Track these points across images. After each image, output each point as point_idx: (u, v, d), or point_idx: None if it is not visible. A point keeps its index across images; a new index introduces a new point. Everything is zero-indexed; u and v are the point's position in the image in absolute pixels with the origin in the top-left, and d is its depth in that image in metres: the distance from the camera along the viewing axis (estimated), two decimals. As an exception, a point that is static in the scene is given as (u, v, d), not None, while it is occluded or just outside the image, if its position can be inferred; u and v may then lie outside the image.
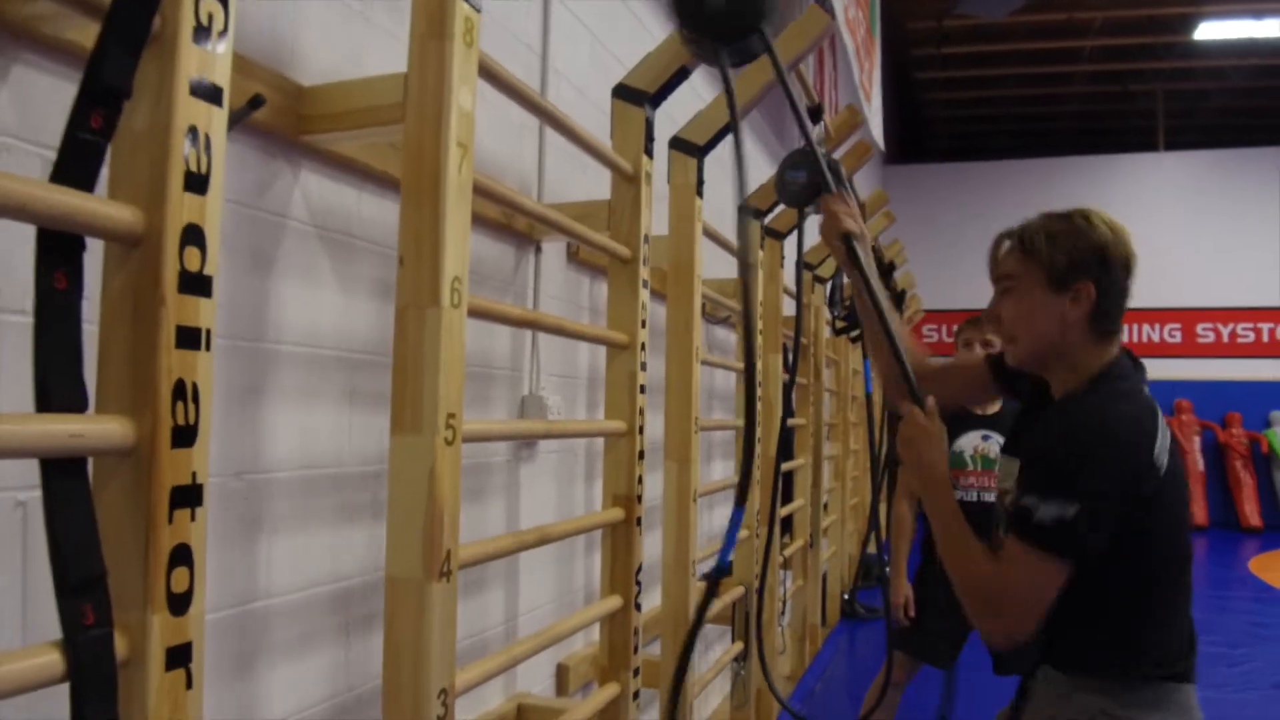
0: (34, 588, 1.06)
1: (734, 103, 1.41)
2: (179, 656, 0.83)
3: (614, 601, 1.95)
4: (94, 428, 0.79)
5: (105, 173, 0.84)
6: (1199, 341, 10.72)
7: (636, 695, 2.00)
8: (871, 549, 6.85)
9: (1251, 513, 9.95)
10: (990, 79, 10.97)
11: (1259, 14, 8.59)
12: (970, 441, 2.90)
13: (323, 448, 1.54)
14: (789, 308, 3.96)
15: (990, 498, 2.61)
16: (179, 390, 0.84)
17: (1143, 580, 1.30)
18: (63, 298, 0.80)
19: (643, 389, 2.03)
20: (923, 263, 9.44)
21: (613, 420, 1.99)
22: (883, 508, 3.41)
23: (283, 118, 1.39)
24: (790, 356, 2.78)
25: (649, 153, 2.07)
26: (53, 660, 0.74)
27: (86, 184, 0.81)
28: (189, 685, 0.84)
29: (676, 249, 2.39)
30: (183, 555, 0.83)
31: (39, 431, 0.74)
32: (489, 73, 1.43)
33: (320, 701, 1.51)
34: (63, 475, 0.78)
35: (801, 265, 2.90)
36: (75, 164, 0.80)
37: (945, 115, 12.52)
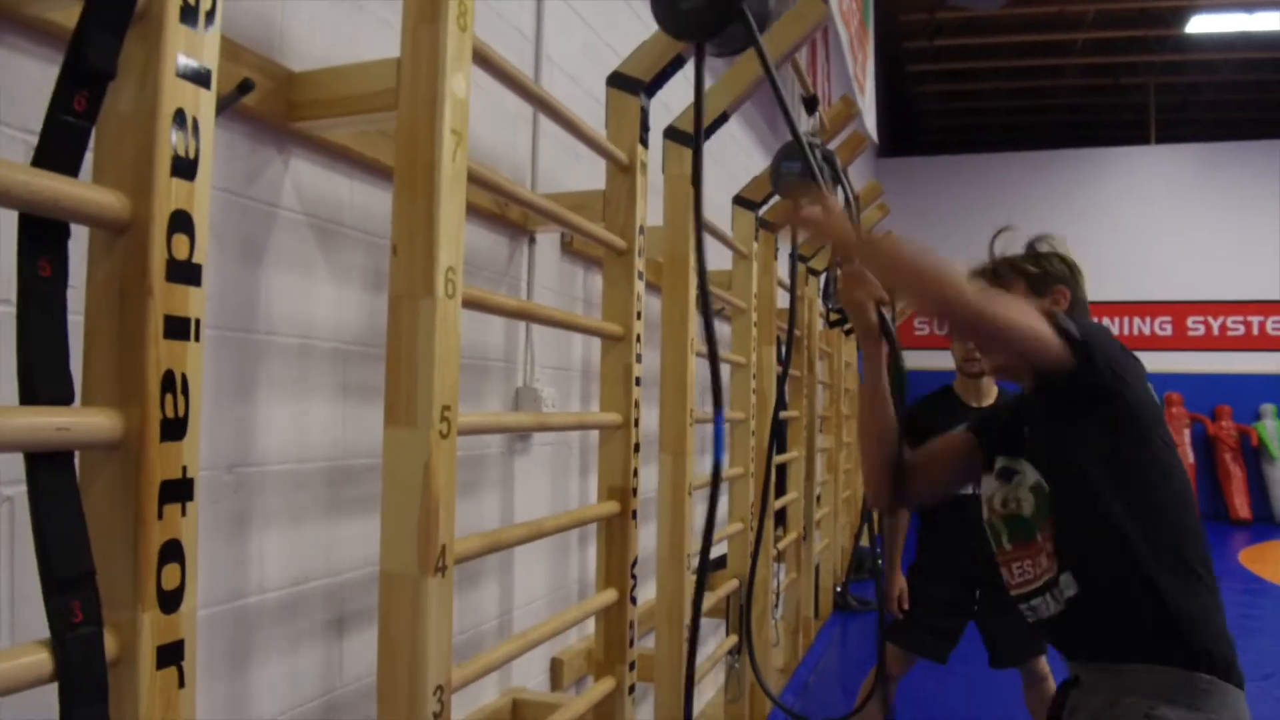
0: (19, 584, 1.03)
1: (700, 98, 1.41)
2: (170, 655, 0.81)
3: (609, 595, 1.93)
4: (81, 421, 0.76)
5: (89, 157, 0.81)
6: (1189, 334, 10.75)
7: (632, 689, 1.99)
8: (864, 542, 6.86)
9: (1241, 505, 10.00)
10: (982, 71, 10.96)
11: (1251, 7, 8.60)
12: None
13: (314, 441, 1.51)
14: (782, 300, 3.95)
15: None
16: (168, 382, 0.81)
17: (1186, 551, 1.28)
18: (47, 286, 0.77)
19: (638, 381, 2.01)
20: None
21: (608, 413, 1.97)
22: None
23: (272, 104, 1.36)
24: (786, 347, 2.76)
25: (644, 142, 2.05)
26: (41, 659, 0.72)
27: (70, 168, 0.78)
28: (181, 684, 0.82)
29: (672, 240, 2.36)
30: (173, 551, 0.81)
31: (25, 425, 0.72)
32: (483, 59, 1.41)
33: (312, 698, 1.49)
34: (49, 470, 0.75)
35: (796, 257, 2.88)
36: (58, 148, 0.77)
37: (937, 108, 12.50)
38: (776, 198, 3.35)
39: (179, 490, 0.82)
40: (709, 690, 3.70)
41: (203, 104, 0.86)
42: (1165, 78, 10.83)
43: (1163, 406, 1.42)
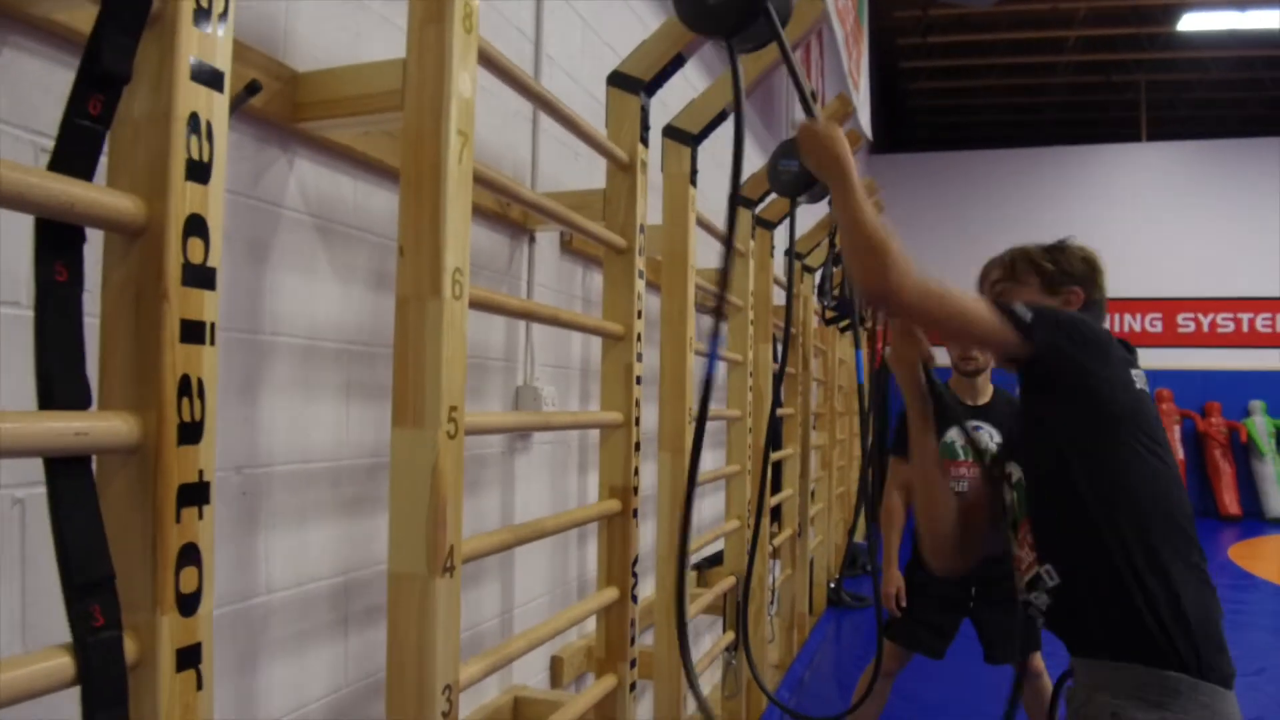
0: (33, 587, 1.03)
1: (740, 97, 1.42)
2: (189, 657, 0.81)
3: (611, 593, 1.94)
4: (99, 425, 0.76)
5: (103, 161, 0.81)
6: (1179, 331, 10.81)
7: (633, 687, 2.00)
8: (858, 538, 6.89)
9: (1230, 501, 10.07)
10: (975, 68, 10.99)
11: (1243, 5, 8.64)
12: (959, 433, 2.90)
13: (319, 441, 1.51)
14: (778, 298, 3.95)
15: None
16: (184, 386, 0.82)
17: (1158, 543, 1.27)
18: (63, 291, 0.77)
19: (638, 380, 2.02)
20: (907, 251, 9.46)
21: (609, 411, 1.98)
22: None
23: (277, 104, 1.36)
24: (783, 345, 2.77)
25: (644, 141, 2.05)
26: (63, 664, 0.72)
27: (85, 172, 0.78)
28: (199, 686, 0.82)
29: (670, 238, 2.37)
30: (191, 555, 0.81)
31: (44, 430, 0.72)
32: (488, 59, 1.41)
33: (320, 697, 1.49)
34: (67, 474, 0.75)
35: (794, 255, 2.89)
36: (74, 151, 0.77)
37: (930, 104, 12.53)
38: (774, 195, 3.36)
39: (196, 494, 0.82)
40: (705, 687, 3.72)
41: (216, 107, 0.86)
42: (1157, 75, 10.88)
43: (1150, 400, 1.38)
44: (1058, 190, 10.92)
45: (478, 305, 1.38)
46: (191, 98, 0.83)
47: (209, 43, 0.85)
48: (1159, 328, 10.84)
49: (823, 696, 4.08)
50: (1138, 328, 10.81)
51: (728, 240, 1.41)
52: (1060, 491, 1.34)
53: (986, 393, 2.92)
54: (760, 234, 3.57)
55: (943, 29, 9.93)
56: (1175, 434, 10.25)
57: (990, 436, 2.86)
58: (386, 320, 1.66)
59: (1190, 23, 9.13)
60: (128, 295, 0.82)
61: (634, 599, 2.00)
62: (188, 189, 0.82)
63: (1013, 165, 11.41)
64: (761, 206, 3.44)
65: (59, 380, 0.76)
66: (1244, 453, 10.24)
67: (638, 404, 2.00)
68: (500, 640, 2.12)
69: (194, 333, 0.83)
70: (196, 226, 0.83)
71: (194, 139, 0.83)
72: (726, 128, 3.20)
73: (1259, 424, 10.27)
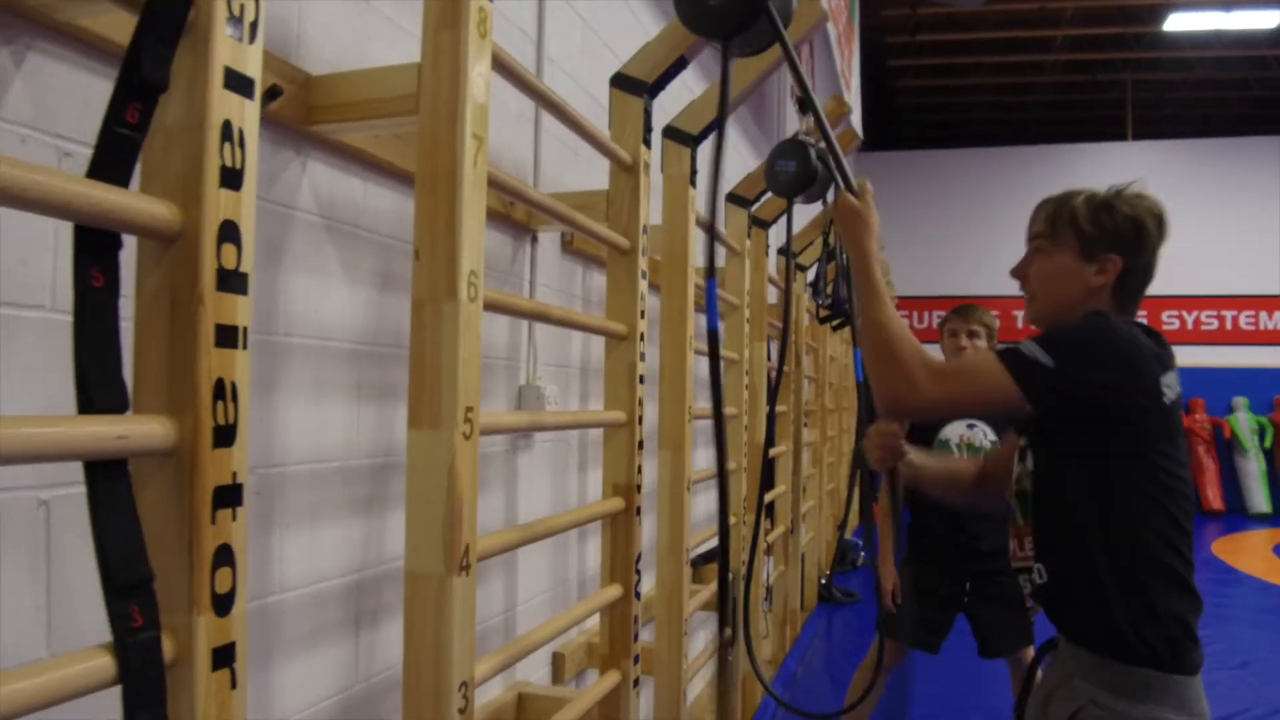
0: (58, 588, 1.04)
1: (726, 98, 1.44)
2: (224, 657, 0.82)
3: (615, 590, 1.96)
4: (138, 429, 0.78)
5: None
6: (1163, 329, 10.84)
7: (636, 683, 2.02)
8: (850, 533, 6.92)
9: (1214, 497, 10.19)
10: (963, 67, 11.05)
11: (1228, 6, 8.72)
12: (955, 430, 2.94)
13: (331, 441, 1.53)
14: (772, 296, 3.98)
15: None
16: (219, 389, 0.83)
17: (1146, 554, 1.32)
18: (100, 296, 0.78)
19: (641, 379, 2.03)
20: (894, 249, 9.53)
21: (613, 410, 2.00)
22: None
23: (291, 108, 1.37)
24: (780, 344, 2.79)
25: (647, 143, 2.07)
26: (105, 663, 0.73)
27: (123, 179, 0.79)
28: (234, 685, 0.83)
29: (670, 239, 2.38)
30: (225, 555, 0.83)
31: (87, 434, 0.73)
32: (500, 64, 1.42)
33: (332, 695, 1.51)
34: (106, 477, 0.76)
35: (790, 254, 2.91)
36: (112, 159, 0.79)
37: (918, 102, 12.59)
38: (769, 195, 3.38)
39: (230, 495, 0.84)
40: (699, 683, 3.74)
41: (248, 114, 0.87)
42: (1142, 75, 10.97)
43: (1178, 410, 1.36)
44: (1044, 188, 10.68)
45: (491, 307, 1.40)
46: (225, 105, 0.84)
47: (241, 51, 0.86)
48: (1144, 325, 10.93)
49: (815, 690, 4.12)
50: (1123, 325, 10.89)
51: (710, 231, 1.46)
52: (1063, 499, 1.38)
53: (981, 391, 2.96)
54: (756, 233, 3.60)
55: (931, 27, 9.98)
56: (1160, 430, 10.34)
57: (985, 435, 2.89)
58: (395, 321, 1.68)
59: (1176, 23, 9.21)
60: (162, 300, 0.83)
61: (637, 595, 2.02)
62: (221, 195, 0.84)
63: (1000, 163, 11.49)
64: (757, 206, 3.46)
65: (97, 385, 0.77)
66: (1227, 449, 10.36)
67: (641, 403, 2.02)
68: (504, 637, 2.14)
69: (228, 337, 0.84)
70: (230, 232, 0.85)
71: (227, 146, 0.84)
72: (730, 129, 3.22)
73: (1242, 420, 10.39)
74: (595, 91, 2.55)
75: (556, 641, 2.38)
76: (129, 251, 0.84)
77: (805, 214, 4.76)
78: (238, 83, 0.86)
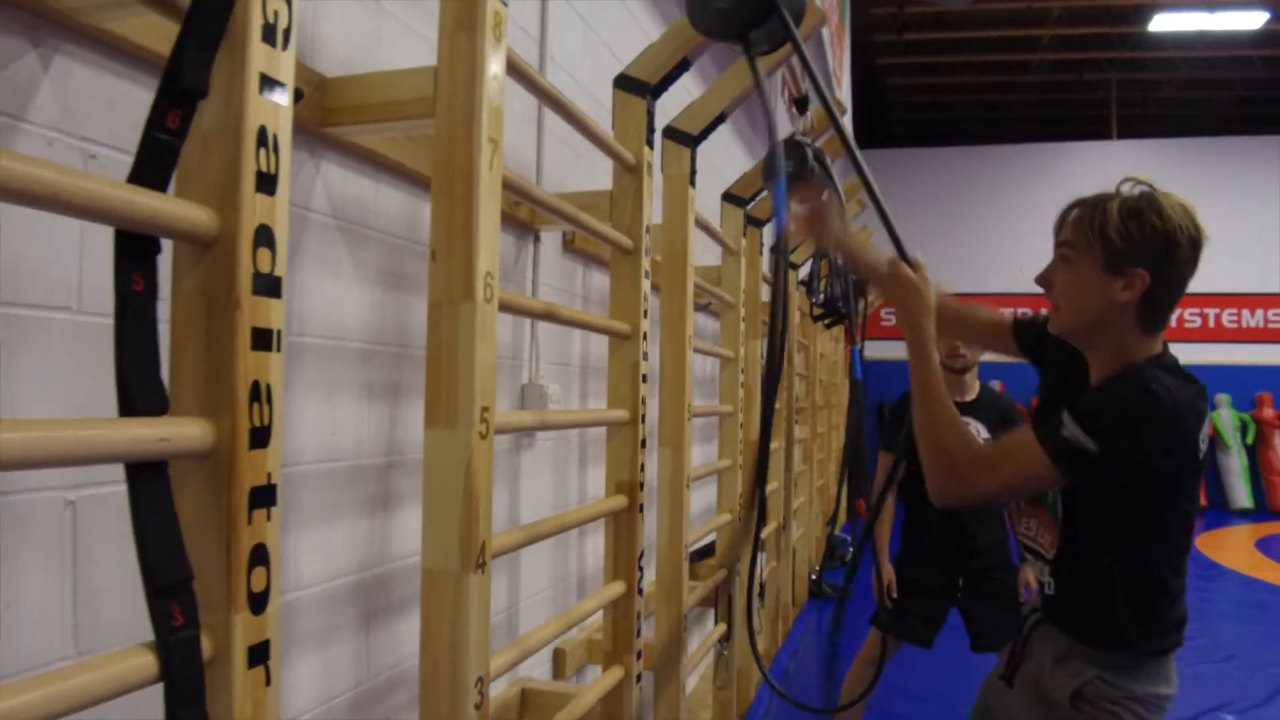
0: (84, 588, 1.05)
1: (765, 95, 1.47)
2: (259, 654, 0.84)
3: (618, 587, 1.98)
4: (179, 431, 0.79)
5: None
6: (1147, 326, 11.01)
7: (639, 678, 2.04)
8: (840, 530, 6.95)
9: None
10: (950, 66, 11.12)
11: (1212, 7, 8.81)
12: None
13: (343, 440, 1.54)
14: (765, 294, 4.00)
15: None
16: (254, 392, 0.84)
17: (1155, 565, 1.39)
18: (140, 300, 0.80)
19: (644, 378, 2.05)
20: (880, 247, 9.56)
21: (616, 409, 2.01)
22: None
23: (307, 110, 1.38)
24: (777, 342, 2.82)
25: (650, 143, 2.08)
26: (147, 662, 0.75)
27: (162, 185, 0.81)
28: (268, 682, 0.85)
29: (670, 238, 2.40)
30: (261, 555, 0.84)
31: (130, 436, 0.75)
32: (512, 66, 1.43)
33: (343, 692, 1.52)
34: (146, 479, 0.78)
35: (785, 252, 2.94)
36: (152, 165, 0.80)
37: (906, 101, 12.66)
38: (764, 193, 3.41)
39: (265, 496, 0.85)
40: (693, 679, 3.77)
41: (281, 120, 0.88)
42: (1127, 74, 11.07)
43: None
44: (1029, 187, 11.09)
45: (504, 308, 1.41)
46: (260, 111, 0.85)
47: (275, 57, 0.87)
48: (1128, 323, 11.02)
49: (807, 685, 4.15)
50: (1107, 323, 10.99)
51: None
52: (1090, 528, 1.43)
53: (973, 389, 3.00)
54: (751, 232, 3.62)
55: (918, 26, 10.03)
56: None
57: (977, 432, 2.93)
58: (404, 320, 1.69)
59: (1161, 23, 9.30)
60: (198, 304, 0.84)
61: (639, 592, 2.04)
62: (257, 200, 0.85)
63: (987, 162, 11.57)
64: (752, 204, 3.48)
65: (138, 388, 0.78)
66: (1210, 446, 10.45)
67: (643, 401, 2.04)
68: (507, 633, 2.15)
69: (263, 340, 0.85)
70: (265, 236, 0.86)
71: (262, 151, 0.86)
72: (723, 129, 3.24)
73: (1224, 418, 10.52)
74: (595, 91, 2.57)
75: (557, 638, 2.40)
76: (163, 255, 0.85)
77: (798, 212, 4.78)
78: (272, 88, 0.87)
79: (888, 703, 3.45)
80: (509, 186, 1.48)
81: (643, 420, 2.03)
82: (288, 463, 1.41)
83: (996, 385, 4.65)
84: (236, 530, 0.82)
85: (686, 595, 2.39)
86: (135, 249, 0.79)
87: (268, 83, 0.86)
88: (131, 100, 1.12)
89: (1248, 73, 10.66)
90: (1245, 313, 11.04)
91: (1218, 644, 4.75)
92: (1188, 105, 11.91)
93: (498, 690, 2.08)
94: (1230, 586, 6.57)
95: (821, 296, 4.03)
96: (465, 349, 1.26)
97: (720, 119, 2.45)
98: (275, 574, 0.87)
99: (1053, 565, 1.50)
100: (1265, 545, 8.43)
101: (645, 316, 2.05)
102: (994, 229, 11.21)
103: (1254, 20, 9.06)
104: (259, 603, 0.84)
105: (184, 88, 0.79)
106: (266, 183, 0.86)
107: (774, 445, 4.44)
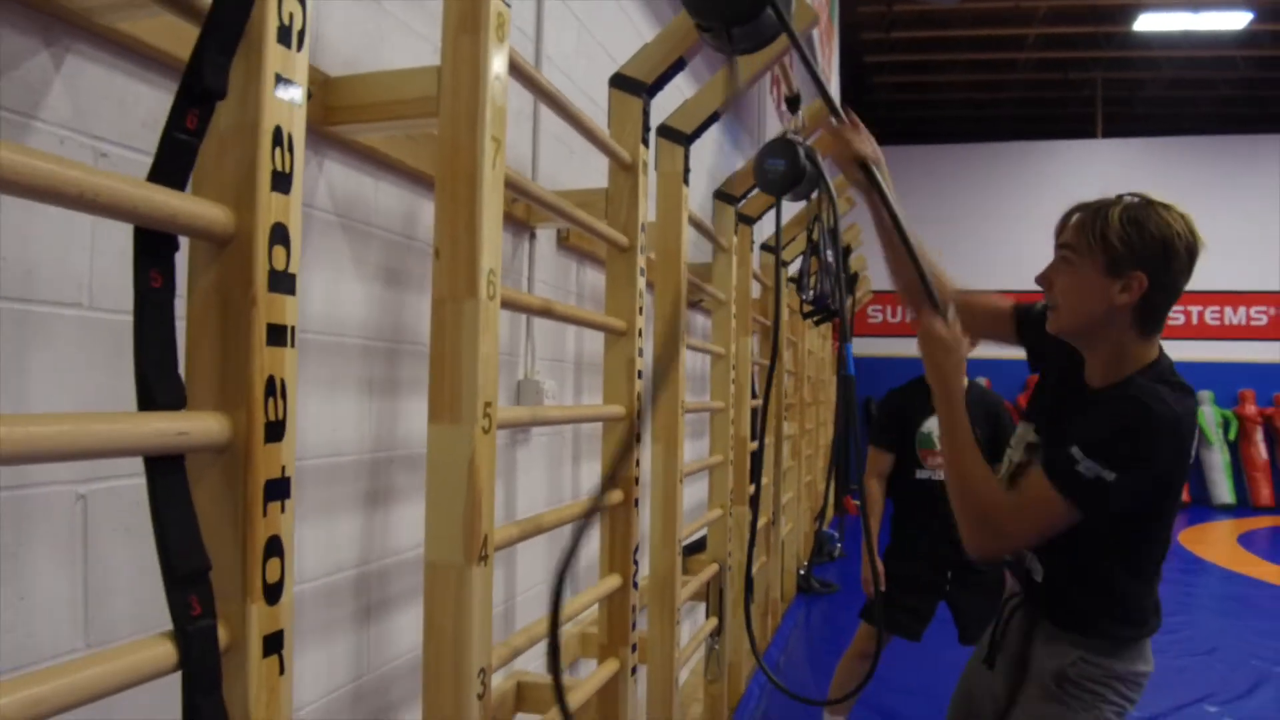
0: (95, 582, 1.07)
1: (736, 85, 1.47)
2: (273, 644, 0.86)
3: (614, 581, 2.00)
4: (197, 425, 0.81)
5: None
6: (1131, 323, 11.11)
7: (634, 671, 2.06)
8: (828, 526, 6.99)
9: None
10: (937, 64, 11.18)
11: (1196, 7, 8.89)
12: (936, 422, 3.01)
13: (345, 436, 1.55)
14: (758, 292, 4.03)
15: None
16: (270, 387, 0.86)
17: (1143, 560, 1.44)
18: (158, 297, 0.81)
19: (640, 374, 2.07)
20: (869, 245, 9.62)
21: (612, 405, 2.04)
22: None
23: (311, 109, 1.38)
24: (773, 339, 2.85)
25: (645, 142, 2.10)
26: (167, 650, 0.76)
27: (180, 184, 0.82)
28: (281, 671, 0.87)
29: (663, 236, 2.42)
30: (275, 546, 0.86)
31: (151, 430, 0.76)
32: (514, 66, 1.45)
33: (344, 684, 1.54)
34: (164, 472, 0.79)
35: (780, 251, 2.97)
36: (171, 164, 0.81)
37: (893, 99, 12.71)
38: (755, 191, 3.43)
39: (280, 488, 0.87)
40: (683, 673, 3.80)
41: (296, 119, 0.90)
42: (1113, 74, 11.16)
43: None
44: (1015, 185, 11.18)
45: (504, 304, 1.43)
46: (276, 111, 0.87)
47: (290, 58, 0.89)
48: (1112, 320, 11.13)
49: (797, 678, 4.19)
50: (1092, 320, 11.09)
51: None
52: (1083, 535, 1.45)
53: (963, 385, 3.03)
54: (742, 229, 3.64)
55: (906, 25, 10.08)
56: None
57: (968, 428, 2.96)
58: (404, 317, 1.71)
59: (1146, 23, 9.38)
60: (214, 300, 0.86)
61: (634, 585, 2.06)
62: (273, 199, 0.87)
63: (972, 160, 11.65)
64: (743, 203, 3.51)
65: (158, 383, 0.80)
66: (1192, 442, 10.59)
67: (639, 398, 2.06)
68: (504, 627, 2.17)
69: (278, 336, 0.87)
70: (280, 234, 0.88)
71: (277, 150, 0.87)
72: (717, 129, 3.26)
73: (1207, 414, 10.64)
74: (590, 90, 2.58)
75: (552, 631, 2.42)
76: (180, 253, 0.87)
77: (788, 209, 4.82)
78: (286, 88, 0.89)
79: (876, 696, 3.49)
80: (508, 184, 1.50)
81: (638, 416, 2.06)
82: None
83: (983, 381, 4.71)
84: (252, 522, 0.84)
85: (679, 589, 2.41)
86: (154, 246, 0.81)
87: (283, 83, 0.88)
88: (143, 100, 1.13)
89: (1231, 73, 10.77)
90: (1228, 310, 11.16)
91: (1200, 637, 4.82)
92: (1172, 104, 12.02)
93: (494, 683, 2.10)
94: (1213, 580, 6.66)
95: (811, 294, 4.05)
96: (469, 345, 1.27)
97: (714, 118, 2.47)
98: (289, 565, 0.89)
99: (1040, 553, 1.53)
100: (1247, 540, 8.54)
101: (640, 313, 2.07)
102: (980, 227, 11.29)
103: (1238, 20, 9.15)
104: (274, 593, 0.86)
105: (204, 88, 0.81)
106: (281, 181, 0.88)
107: (766, 441, 4.47)
